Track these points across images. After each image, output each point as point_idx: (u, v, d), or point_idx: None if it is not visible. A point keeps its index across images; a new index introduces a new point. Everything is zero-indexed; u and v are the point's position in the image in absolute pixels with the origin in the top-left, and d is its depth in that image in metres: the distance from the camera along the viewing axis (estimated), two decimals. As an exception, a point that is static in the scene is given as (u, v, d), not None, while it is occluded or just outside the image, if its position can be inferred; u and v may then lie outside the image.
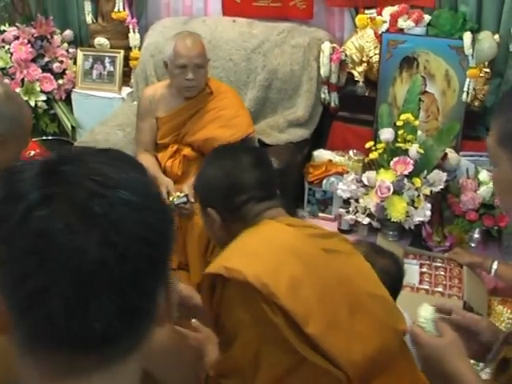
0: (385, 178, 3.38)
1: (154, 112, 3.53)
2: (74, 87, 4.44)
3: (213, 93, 3.50)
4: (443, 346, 1.51)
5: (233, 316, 1.69)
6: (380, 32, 3.75)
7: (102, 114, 4.14)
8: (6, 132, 1.85)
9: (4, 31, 4.33)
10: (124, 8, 4.28)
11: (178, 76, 3.38)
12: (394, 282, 2.22)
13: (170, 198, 3.20)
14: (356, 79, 3.86)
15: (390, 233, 3.51)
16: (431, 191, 3.37)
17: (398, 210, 3.36)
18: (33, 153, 3.62)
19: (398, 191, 3.36)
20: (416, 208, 3.36)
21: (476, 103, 3.72)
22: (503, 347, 1.46)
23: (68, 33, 4.50)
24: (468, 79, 3.58)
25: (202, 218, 2.00)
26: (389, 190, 3.34)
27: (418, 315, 1.65)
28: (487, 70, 3.66)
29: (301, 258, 1.71)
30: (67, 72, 4.40)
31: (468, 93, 3.60)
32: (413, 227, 3.42)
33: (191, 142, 3.48)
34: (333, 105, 3.92)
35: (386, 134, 3.45)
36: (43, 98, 4.31)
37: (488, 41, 3.57)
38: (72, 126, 4.39)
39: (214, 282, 1.70)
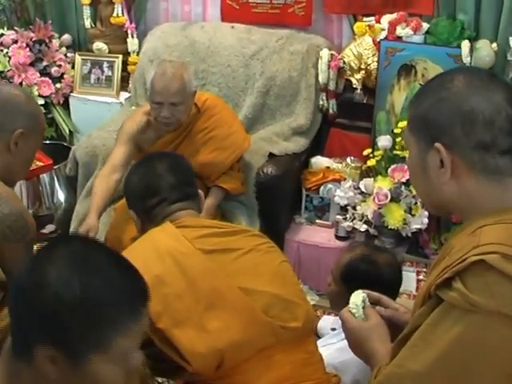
0: (382, 186, 3.39)
1: (137, 140, 3.26)
2: (71, 92, 4.42)
3: (200, 110, 3.31)
4: (366, 328, 1.65)
5: None
6: (378, 39, 3.75)
7: (99, 119, 4.13)
8: (28, 127, 2.04)
9: (2, 35, 4.31)
10: (123, 13, 4.28)
11: (155, 110, 3.14)
12: (396, 273, 2.41)
13: None
14: (354, 86, 3.85)
15: (387, 240, 3.52)
16: (429, 199, 3.37)
17: (395, 218, 3.37)
18: None
19: (395, 198, 3.37)
20: (413, 215, 3.37)
21: (474, 111, 3.72)
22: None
23: (66, 37, 4.49)
24: (466, 87, 3.58)
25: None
26: (386, 197, 3.35)
27: (350, 301, 1.72)
28: (485, 78, 3.66)
29: (171, 259, 1.87)
30: (65, 76, 4.39)
31: (466, 101, 3.60)
32: (410, 235, 3.43)
33: None
34: (331, 112, 3.92)
35: (384, 141, 3.46)
36: (41, 102, 4.28)
37: (486, 49, 3.58)
38: (70, 131, 4.38)
39: None
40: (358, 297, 1.72)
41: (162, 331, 1.76)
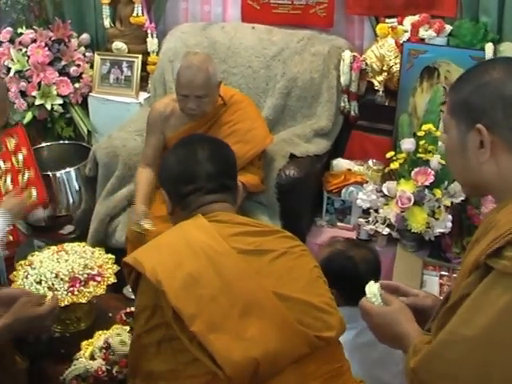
0: (405, 189, 3.37)
1: (162, 128, 3.41)
2: (90, 91, 4.40)
3: (226, 103, 3.38)
4: (391, 312, 1.71)
5: (141, 301, 1.85)
6: (401, 41, 3.73)
7: (118, 119, 4.11)
8: None
9: (21, 34, 4.30)
10: (143, 13, 4.25)
11: (181, 102, 3.25)
12: (374, 269, 2.45)
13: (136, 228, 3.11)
14: (376, 88, 3.83)
15: (409, 243, 3.50)
16: (452, 202, 3.35)
17: (418, 221, 3.34)
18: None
19: (418, 202, 3.34)
20: (437, 219, 3.34)
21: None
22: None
23: (85, 36, 4.47)
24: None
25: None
26: (410, 200, 3.32)
27: (366, 292, 1.77)
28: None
29: (205, 256, 1.80)
30: (84, 76, 4.37)
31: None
32: (433, 238, 3.40)
33: None
34: (352, 114, 3.89)
35: (408, 144, 3.43)
36: (59, 101, 4.27)
37: (509, 52, 3.56)
38: (88, 131, 4.36)
39: (131, 268, 1.86)
40: (373, 287, 1.78)
41: (195, 335, 1.70)
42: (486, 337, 1.37)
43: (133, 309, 2.72)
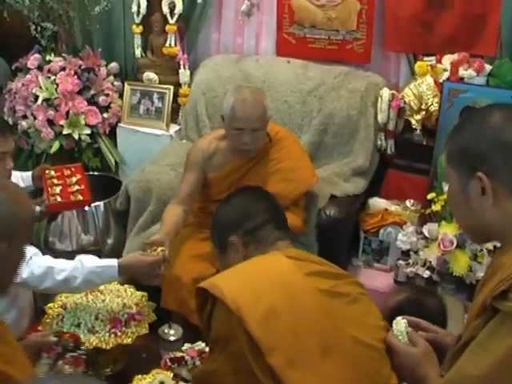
0: (447, 231, 3.30)
1: (203, 167, 3.24)
2: (118, 121, 4.33)
3: (271, 140, 3.27)
4: (417, 354, 1.75)
5: (214, 330, 1.79)
6: (441, 80, 3.68)
7: (147, 151, 4.04)
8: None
9: (50, 61, 4.22)
10: (175, 43, 4.19)
11: (234, 137, 3.12)
12: (443, 316, 2.49)
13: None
14: (413, 127, 3.77)
15: (448, 286, 3.42)
16: (494, 246, 3.28)
17: (460, 265, 3.28)
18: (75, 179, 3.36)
19: (460, 245, 3.28)
20: (479, 263, 3.27)
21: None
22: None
23: (114, 65, 4.40)
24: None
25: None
26: (452, 243, 3.26)
27: (393, 329, 1.82)
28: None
29: (287, 291, 1.78)
30: (112, 106, 4.29)
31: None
32: (474, 282, 3.33)
33: None
34: (389, 152, 3.83)
35: (451, 185, 3.37)
36: (87, 131, 4.18)
37: (549, 93, 3.51)
38: (115, 162, 4.28)
39: (205, 296, 1.81)
40: (400, 324, 1.82)
41: (271, 367, 1.65)
42: (491, 377, 1.39)
43: (178, 354, 2.64)
